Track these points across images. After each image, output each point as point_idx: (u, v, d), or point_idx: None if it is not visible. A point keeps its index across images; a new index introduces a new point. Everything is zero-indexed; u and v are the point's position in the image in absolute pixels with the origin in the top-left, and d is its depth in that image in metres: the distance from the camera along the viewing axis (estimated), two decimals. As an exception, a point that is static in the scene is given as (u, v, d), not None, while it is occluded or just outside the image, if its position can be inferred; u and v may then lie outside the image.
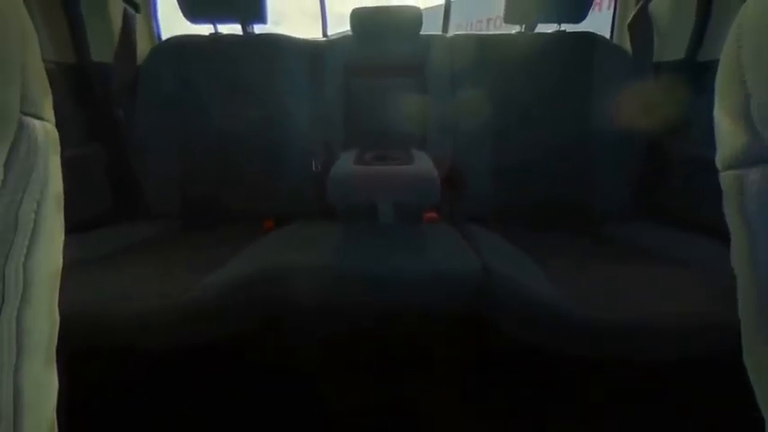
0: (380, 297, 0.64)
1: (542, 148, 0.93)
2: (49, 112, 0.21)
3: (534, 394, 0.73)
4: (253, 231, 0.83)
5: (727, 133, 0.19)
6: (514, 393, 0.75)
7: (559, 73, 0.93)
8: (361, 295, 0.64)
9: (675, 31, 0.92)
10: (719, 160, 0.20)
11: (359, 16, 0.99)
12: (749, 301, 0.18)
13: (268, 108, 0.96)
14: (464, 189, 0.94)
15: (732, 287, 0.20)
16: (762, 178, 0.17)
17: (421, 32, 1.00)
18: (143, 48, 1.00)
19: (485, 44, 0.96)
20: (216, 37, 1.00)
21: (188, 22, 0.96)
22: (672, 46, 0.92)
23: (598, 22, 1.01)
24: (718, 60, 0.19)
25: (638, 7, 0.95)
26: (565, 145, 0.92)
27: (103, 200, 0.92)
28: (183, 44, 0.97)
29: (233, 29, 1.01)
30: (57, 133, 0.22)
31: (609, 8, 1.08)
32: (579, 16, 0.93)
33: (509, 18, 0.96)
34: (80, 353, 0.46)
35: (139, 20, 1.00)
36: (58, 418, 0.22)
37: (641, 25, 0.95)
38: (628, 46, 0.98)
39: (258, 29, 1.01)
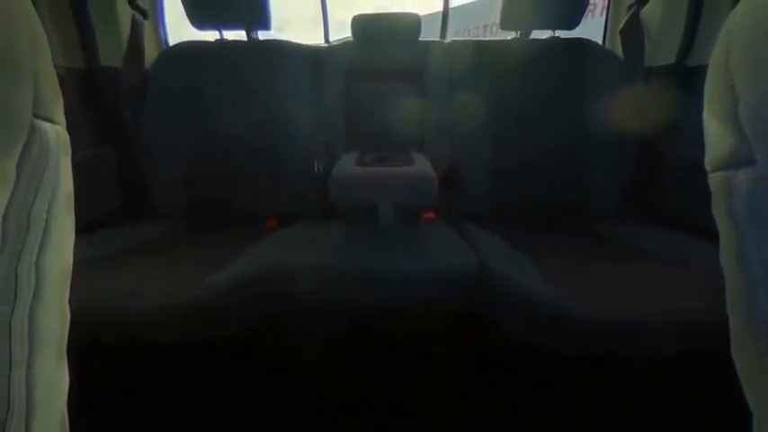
0: (380, 296, 0.66)
1: (538, 150, 0.95)
2: (60, 115, 0.22)
3: (533, 393, 0.74)
4: (256, 231, 0.85)
5: (716, 136, 0.19)
6: (513, 392, 0.76)
7: (554, 77, 0.96)
8: (361, 294, 0.66)
9: (666, 36, 0.95)
10: (708, 162, 0.20)
11: (360, 23, 1.02)
12: (738, 300, 0.19)
13: (271, 111, 0.98)
14: (462, 190, 0.96)
15: (723, 286, 0.20)
16: (749, 180, 0.17)
17: (420, 38, 1.03)
18: (151, 53, 1.03)
19: (482, 50, 0.99)
20: (222, 43, 1.03)
21: (194, 30, 0.99)
22: (662, 51, 0.95)
23: (590, 28, 1.04)
24: (707, 65, 0.20)
25: (629, 14, 0.98)
26: (560, 147, 0.95)
27: (112, 200, 0.94)
28: (189, 50, 1.00)
29: (238, 35, 1.04)
30: (67, 136, 0.23)
31: (601, 15, 1.11)
32: (573, 23, 0.96)
33: (505, 24, 0.99)
34: (89, 350, 0.47)
35: (147, 26, 1.03)
36: (68, 414, 0.23)
37: (633, 31, 0.98)
38: (620, 51, 1.01)
39: (262, 35, 1.04)
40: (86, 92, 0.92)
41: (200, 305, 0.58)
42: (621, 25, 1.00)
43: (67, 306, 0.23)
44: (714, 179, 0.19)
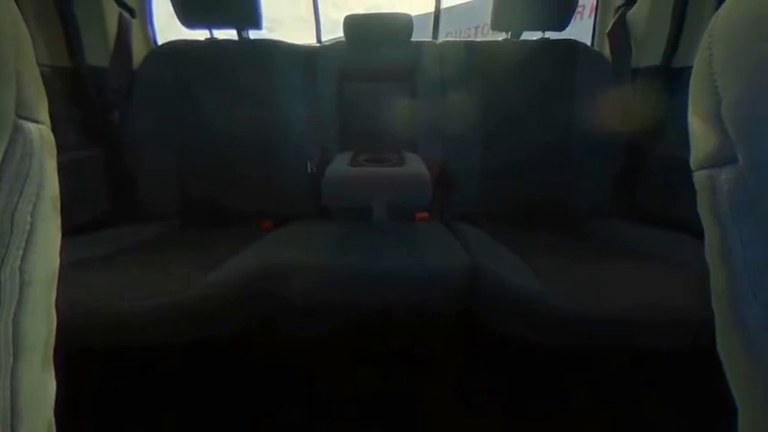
0: (375, 294, 0.66)
1: (528, 149, 0.96)
2: (44, 115, 0.22)
3: (526, 387, 0.76)
4: (251, 231, 0.85)
5: (700, 135, 0.20)
6: (507, 386, 0.77)
7: (544, 78, 0.98)
8: (356, 293, 0.66)
9: (652, 38, 0.97)
10: (693, 161, 0.20)
11: (352, 23, 1.02)
12: (722, 294, 0.19)
13: (264, 111, 0.97)
14: (454, 189, 0.97)
15: (708, 282, 0.20)
16: (731, 178, 0.18)
17: (412, 39, 1.03)
18: (139, 52, 1.02)
19: (473, 50, 1.00)
20: (213, 42, 1.01)
21: (183, 30, 0.98)
22: (648, 52, 0.97)
23: (579, 30, 1.05)
24: (691, 67, 0.20)
25: (616, 16, 1.01)
26: (550, 146, 0.96)
27: (101, 202, 0.93)
28: (179, 49, 0.99)
29: (228, 35, 1.03)
30: (52, 136, 0.22)
31: (590, 16, 1.13)
32: (562, 24, 0.97)
33: (496, 26, 1.00)
34: (78, 354, 0.46)
35: (135, 25, 1.01)
36: (57, 418, 0.22)
37: (620, 33, 1.00)
38: (608, 52, 1.03)
39: (253, 35, 1.03)
40: (72, 91, 0.90)
41: (197, 305, 0.57)
42: (609, 27, 1.02)
43: (54, 311, 0.22)
44: (698, 177, 0.20)
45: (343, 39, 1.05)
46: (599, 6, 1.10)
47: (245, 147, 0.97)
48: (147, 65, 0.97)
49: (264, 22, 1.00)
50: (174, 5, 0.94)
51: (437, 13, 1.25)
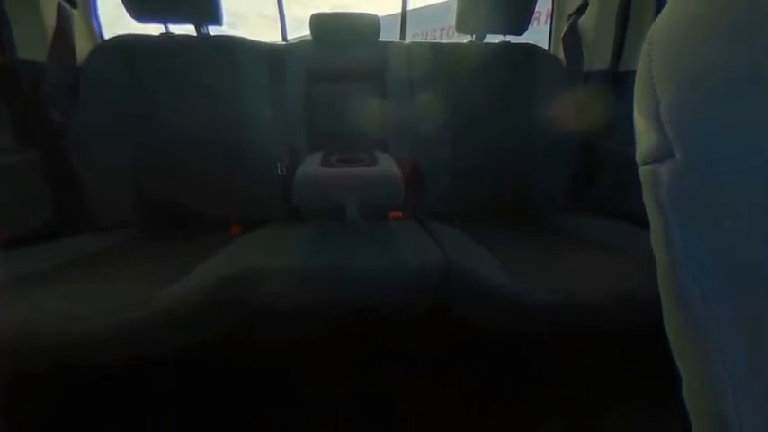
0: (351, 294, 0.66)
1: (493, 149, 1.00)
2: None
3: (500, 375, 0.79)
4: (218, 237, 0.81)
5: (643, 134, 0.21)
6: (483, 376, 0.80)
7: (506, 80, 1.02)
8: (332, 293, 0.65)
9: (599, 44, 1.05)
10: (638, 157, 0.22)
11: (318, 21, 1.00)
12: (666, 278, 0.21)
13: (229, 110, 0.93)
14: (426, 188, 0.99)
15: (655, 267, 0.22)
16: (670, 172, 0.19)
17: (379, 39, 1.04)
18: (83, 47, 0.93)
19: (439, 52, 1.02)
20: (168, 37, 0.95)
21: (134, 23, 0.91)
22: (597, 58, 1.05)
23: (535, 35, 1.12)
24: (635, 71, 0.22)
25: (569, 23, 1.08)
26: (513, 146, 1.01)
27: (42, 210, 0.83)
28: (129, 43, 0.91)
29: (185, 30, 0.98)
30: None
31: (546, 22, 1.21)
32: (521, 29, 1.02)
33: (460, 28, 1.03)
34: (23, 381, 0.42)
35: (77, 17, 0.92)
36: None
37: (572, 39, 1.07)
38: (563, 57, 1.10)
39: (213, 31, 0.98)
40: (2, 89, 0.80)
41: (160, 318, 0.53)
42: (563, 33, 1.09)
43: None
44: (643, 172, 0.21)
45: (309, 37, 1.03)
46: (554, 13, 1.17)
47: (208, 148, 0.92)
48: (94, 60, 0.89)
49: (225, 18, 0.95)
50: (122, -3, 0.87)
51: (404, 14, 1.26)
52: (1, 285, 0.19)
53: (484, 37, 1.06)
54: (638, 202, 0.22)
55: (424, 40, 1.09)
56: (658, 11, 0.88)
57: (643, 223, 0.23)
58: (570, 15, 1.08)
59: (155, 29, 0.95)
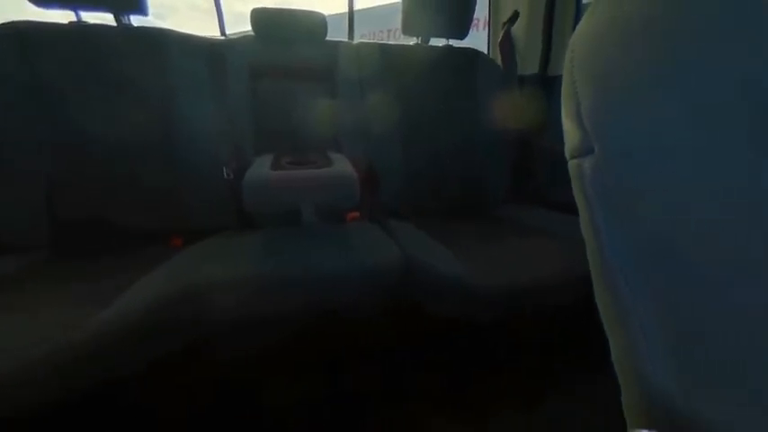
0: (312, 298, 0.64)
1: (441, 147, 1.05)
2: None
3: (461, 361, 0.83)
4: (157, 252, 0.73)
5: (569, 132, 0.24)
6: (446, 363, 0.83)
7: (451, 81, 1.07)
8: (291, 300, 0.63)
9: (530, 51, 1.15)
10: (566, 152, 0.24)
11: (261, 17, 0.95)
12: (594, 259, 0.23)
13: (161, 109, 0.84)
14: (381, 187, 1.00)
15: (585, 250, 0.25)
16: (592, 165, 0.22)
17: (327, 38, 1.02)
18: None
19: (388, 53, 1.04)
20: (81, 26, 0.83)
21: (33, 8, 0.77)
22: (529, 63, 1.16)
23: (475, 40, 1.19)
24: (561, 75, 0.25)
25: (503, 30, 1.17)
26: (459, 144, 1.06)
27: None
28: (26, 31, 0.78)
29: (102, 18, 0.86)
30: None
31: (484, 28, 1.29)
32: (462, 33, 1.08)
33: (406, 30, 1.06)
34: None
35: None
36: None
37: (507, 45, 1.16)
38: (500, 61, 1.19)
39: (136, 22, 0.88)
40: None
41: (89, 349, 0.47)
42: (499, 40, 1.18)
43: None
44: (571, 166, 0.24)
45: (250, 33, 0.97)
46: (491, 21, 1.26)
47: (140, 151, 0.82)
48: None
49: (152, 8, 0.86)
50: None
51: (351, 14, 1.26)
52: None
53: (429, 39, 1.10)
54: (570, 193, 0.25)
55: (372, 41, 1.10)
56: (576, 22, 0.99)
57: (575, 211, 0.25)
58: (504, 24, 1.17)
59: (62, 16, 0.83)
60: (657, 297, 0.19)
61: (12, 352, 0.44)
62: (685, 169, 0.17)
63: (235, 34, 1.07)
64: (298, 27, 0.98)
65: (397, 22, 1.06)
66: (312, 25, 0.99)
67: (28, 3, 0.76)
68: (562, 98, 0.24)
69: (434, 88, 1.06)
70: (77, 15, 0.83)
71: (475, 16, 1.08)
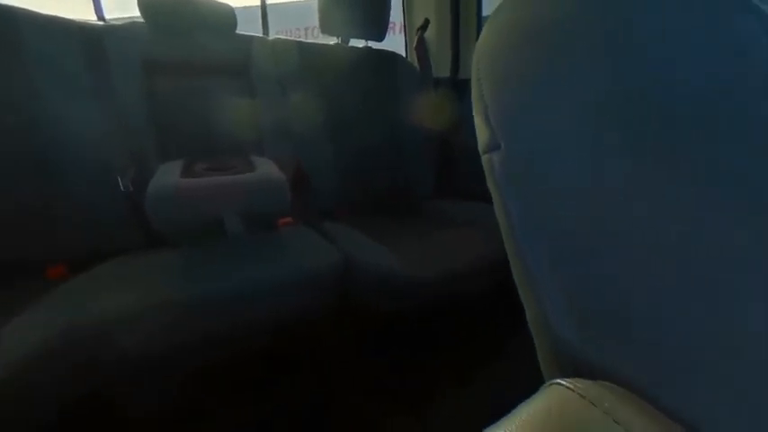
0: (248, 313, 0.59)
1: (368, 147, 1.07)
2: None
3: (404, 350, 0.86)
4: (32, 286, 0.58)
5: (479, 129, 0.26)
6: (392, 356, 0.85)
7: (373, 82, 1.10)
8: (223, 319, 0.57)
9: (441, 56, 1.25)
10: (479, 148, 0.26)
11: (152, 3, 0.82)
12: (508, 240, 0.26)
13: (28, 111, 0.67)
14: (312, 189, 0.97)
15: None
16: (500, 159, 0.24)
17: (239, 32, 0.94)
18: None
19: (308, 51, 1.01)
20: None
21: None
22: (442, 67, 1.26)
23: (393, 42, 1.24)
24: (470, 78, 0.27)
25: (417, 35, 1.24)
26: (385, 143, 1.10)
27: None
28: None
29: None
30: None
31: (401, 32, 1.35)
32: (380, 35, 1.11)
33: (324, 29, 1.05)
34: None
35: None
36: None
37: (421, 49, 1.24)
38: (417, 64, 1.26)
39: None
40: None
41: None
42: (414, 44, 1.25)
43: None
44: (484, 160, 0.26)
45: (136, 20, 0.84)
46: (406, 26, 1.33)
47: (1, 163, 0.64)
48: None
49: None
50: None
51: (264, 8, 1.18)
52: None
53: (349, 40, 1.10)
54: (485, 186, 0.27)
55: (288, 38, 1.05)
56: (479, 30, 1.11)
57: (491, 201, 0.28)
58: (418, 30, 1.24)
59: None
60: (555, 265, 0.23)
61: None
62: (572, 164, 0.20)
63: (116, 20, 0.91)
64: (202, 18, 0.87)
65: (315, 19, 1.03)
66: (218, 16, 0.89)
67: None
68: (472, 99, 0.27)
69: (357, 88, 1.07)
70: None
71: (392, 21, 1.12)
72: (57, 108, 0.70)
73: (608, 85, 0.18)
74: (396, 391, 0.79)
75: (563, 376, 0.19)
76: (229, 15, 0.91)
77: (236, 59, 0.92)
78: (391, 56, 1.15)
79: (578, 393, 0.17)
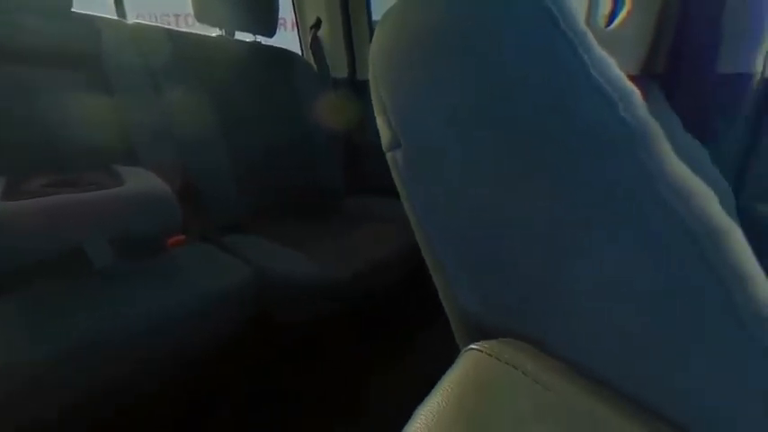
0: (151, 352, 0.50)
1: (270, 147, 1.00)
2: None
3: (333, 356, 0.85)
4: None
5: (381, 128, 0.27)
6: (320, 363, 0.83)
7: (267, 79, 1.02)
8: (108, 372, 0.47)
9: (337, 56, 1.26)
10: (383, 146, 0.28)
11: None
12: (416, 227, 0.28)
13: None
14: (208, 198, 0.85)
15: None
16: (402, 157, 0.25)
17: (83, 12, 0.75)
18: None
19: (182, 41, 0.87)
20: None
21: None
22: (339, 67, 1.27)
23: (284, 40, 1.19)
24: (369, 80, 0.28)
25: (311, 34, 1.21)
26: (289, 143, 1.04)
27: None
28: None
29: None
30: None
31: (293, 29, 1.30)
32: (270, 31, 1.03)
33: (201, 18, 0.92)
34: None
35: None
36: None
37: (316, 48, 1.22)
38: (314, 63, 1.24)
39: None
40: None
41: None
42: (309, 43, 1.22)
43: None
44: (388, 158, 0.27)
45: None
46: (299, 24, 1.28)
47: None
48: None
49: None
50: None
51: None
52: None
53: (234, 32, 1.00)
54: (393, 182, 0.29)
55: (154, 24, 0.89)
56: (371, 33, 1.16)
57: (399, 195, 0.30)
58: (311, 28, 1.22)
59: None
60: (455, 246, 0.26)
61: None
62: (456, 160, 0.23)
63: None
64: None
65: (187, 6, 0.90)
66: None
67: None
68: (372, 100, 0.28)
69: (250, 85, 0.98)
70: None
71: (282, 16, 1.07)
72: None
73: (477, 90, 0.20)
74: (326, 397, 0.77)
75: (474, 341, 0.22)
76: None
77: (80, 47, 0.73)
78: (287, 54, 1.10)
79: (487, 353, 0.20)
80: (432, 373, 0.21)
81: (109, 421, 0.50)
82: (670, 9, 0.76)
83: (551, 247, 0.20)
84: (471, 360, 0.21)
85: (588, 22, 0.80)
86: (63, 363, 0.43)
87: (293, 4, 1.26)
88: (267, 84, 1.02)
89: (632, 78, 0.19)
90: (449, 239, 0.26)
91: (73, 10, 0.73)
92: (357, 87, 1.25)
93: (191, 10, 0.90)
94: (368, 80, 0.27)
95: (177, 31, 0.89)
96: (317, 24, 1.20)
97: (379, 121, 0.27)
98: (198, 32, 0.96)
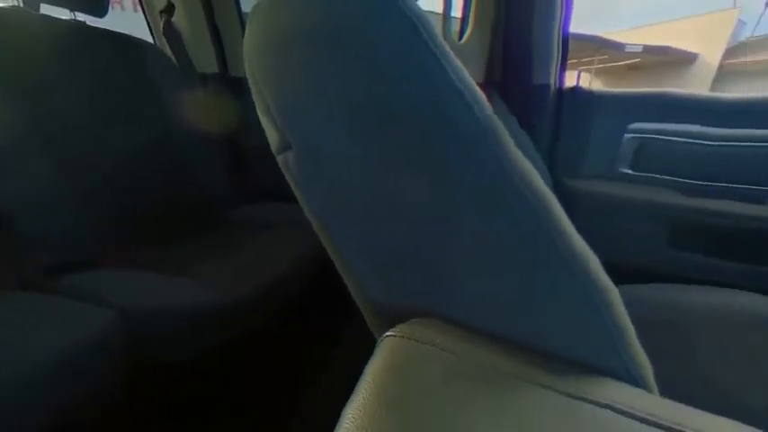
0: None
1: (126, 155, 0.81)
2: None
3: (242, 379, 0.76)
4: None
5: (268, 130, 0.25)
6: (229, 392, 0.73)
7: (108, 71, 0.82)
8: None
9: (201, 49, 1.09)
10: (273, 149, 0.26)
11: None
12: (315, 223, 0.27)
13: None
14: (25, 232, 0.62)
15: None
16: (293, 158, 0.24)
17: None
18: None
19: None
20: None
21: None
22: (205, 62, 1.10)
23: (124, 22, 0.96)
24: (245, 77, 0.25)
25: (163, 20, 1.02)
26: (146, 148, 0.86)
27: None
28: None
29: None
30: None
31: (135, 10, 1.06)
32: (98, 10, 0.81)
33: None
34: None
35: None
36: None
37: (173, 38, 1.03)
38: (170, 53, 1.04)
39: None
40: None
41: None
42: (161, 30, 1.02)
43: None
44: (279, 160, 0.26)
45: None
46: (144, 6, 1.05)
47: None
48: None
49: None
50: None
51: None
52: None
53: (38, 5, 0.75)
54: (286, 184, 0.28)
55: None
56: (243, 25, 1.04)
57: (295, 198, 0.29)
58: (161, 13, 1.02)
59: None
60: (356, 239, 0.27)
61: None
62: (345, 157, 0.24)
63: None
64: None
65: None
66: None
67: None
68: (254, 100, 0.26)
69: (80, 78, 0.76)
70: None
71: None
72: None
73: (358, 87, 0.22)
74: (257, 416, 0.69)
75: (388, 329, 0.23)
76: None
77: None
78: (131, 40, 0.89)
79: (400, 336, 0.22)
80: (359, 367, 0.22)
81: None
82: (498, 27, 0.97)
83: (435, 231, 0.22)
84: (388, 346, 0.22)
85: (444, 37, 0.94)
86: None
87: (133, -20, 1.03)
88: (109, 77, 0.81)
89: (479, 85, 0.23)
90: (350, 235, 0.27)
91: None
92: (231, 85, 1.12)
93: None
94: (243, 77, 0.25)
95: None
96: (169, 9, 1.01)
97: (264, 122, 0.26)
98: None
